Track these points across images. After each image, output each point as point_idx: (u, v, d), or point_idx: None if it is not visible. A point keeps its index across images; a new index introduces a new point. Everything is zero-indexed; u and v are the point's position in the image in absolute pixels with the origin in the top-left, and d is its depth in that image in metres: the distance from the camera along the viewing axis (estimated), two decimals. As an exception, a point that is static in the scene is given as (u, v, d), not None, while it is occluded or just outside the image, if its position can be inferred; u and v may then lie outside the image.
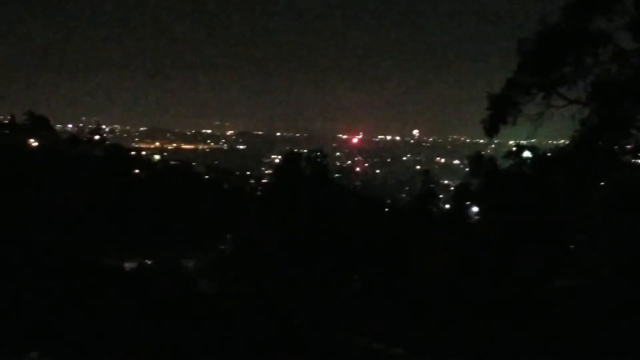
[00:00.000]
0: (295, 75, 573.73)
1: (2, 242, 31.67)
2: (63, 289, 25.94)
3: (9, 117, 69.24)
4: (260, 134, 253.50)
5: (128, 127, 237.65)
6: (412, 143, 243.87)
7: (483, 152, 43.93)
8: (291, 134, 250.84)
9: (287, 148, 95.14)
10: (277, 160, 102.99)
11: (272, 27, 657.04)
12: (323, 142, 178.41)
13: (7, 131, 64.47)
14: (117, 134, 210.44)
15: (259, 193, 73.11)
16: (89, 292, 27.19)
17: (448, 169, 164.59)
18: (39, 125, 65.91)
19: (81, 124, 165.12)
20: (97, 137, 73.42)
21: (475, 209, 44.59)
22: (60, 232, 38.93)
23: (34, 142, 64.79)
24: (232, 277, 41.44)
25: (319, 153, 55.45)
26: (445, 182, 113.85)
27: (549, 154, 27.82)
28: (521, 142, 32.63)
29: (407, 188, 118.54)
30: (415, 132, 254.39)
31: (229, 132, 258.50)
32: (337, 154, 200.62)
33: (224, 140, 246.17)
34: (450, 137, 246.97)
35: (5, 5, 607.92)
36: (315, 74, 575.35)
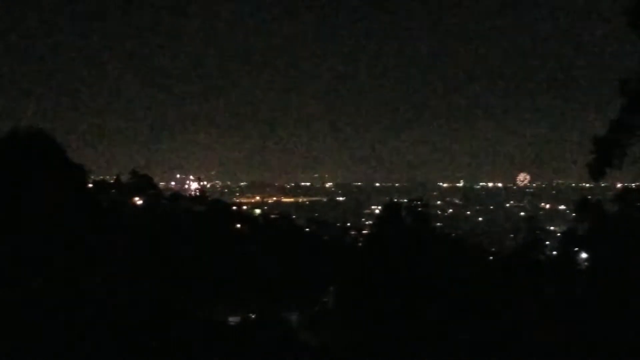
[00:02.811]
0: (392, 125, 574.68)
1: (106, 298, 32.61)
2: (168, 344, 26.43)
3: (115, 177, 71.83)
4: (359, 185, 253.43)
5: (229, 182, 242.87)
6: (515, 189, 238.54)
7: (589, 197, 42.76)
8: (390, 183, 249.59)
9: (387, 198, 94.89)
10: (377, 211, 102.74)
11: (364, 79, 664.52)
12: (423, 191, 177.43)
13: (113, 190, 66.87)
14: (219, 189, 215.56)
15: (359, 244, 72.91)
16: (195, 347, 27.61)
17: (553, 215, 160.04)
18: (143, 183, 68.16)
19: (185, 183, 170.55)
20: (199, 193, 75.48)
21: (584, 255, 43.19)
22: (166, 288, 39.87)
23: (138, 200, 67.04)
24: (336, 330, 41.35)
25: (419, 202, 55.10)
26: (551, 228, 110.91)
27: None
28: (629, 184, 31.61)
29: (511, 235, 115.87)
30: (527, 178, 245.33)
31: (328, 184, 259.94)
32: (438, 202, 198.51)
33: (323, 192, 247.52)
34: (555, 181, 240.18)
35: (100, 71, 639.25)
36: (413, 123, 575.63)
